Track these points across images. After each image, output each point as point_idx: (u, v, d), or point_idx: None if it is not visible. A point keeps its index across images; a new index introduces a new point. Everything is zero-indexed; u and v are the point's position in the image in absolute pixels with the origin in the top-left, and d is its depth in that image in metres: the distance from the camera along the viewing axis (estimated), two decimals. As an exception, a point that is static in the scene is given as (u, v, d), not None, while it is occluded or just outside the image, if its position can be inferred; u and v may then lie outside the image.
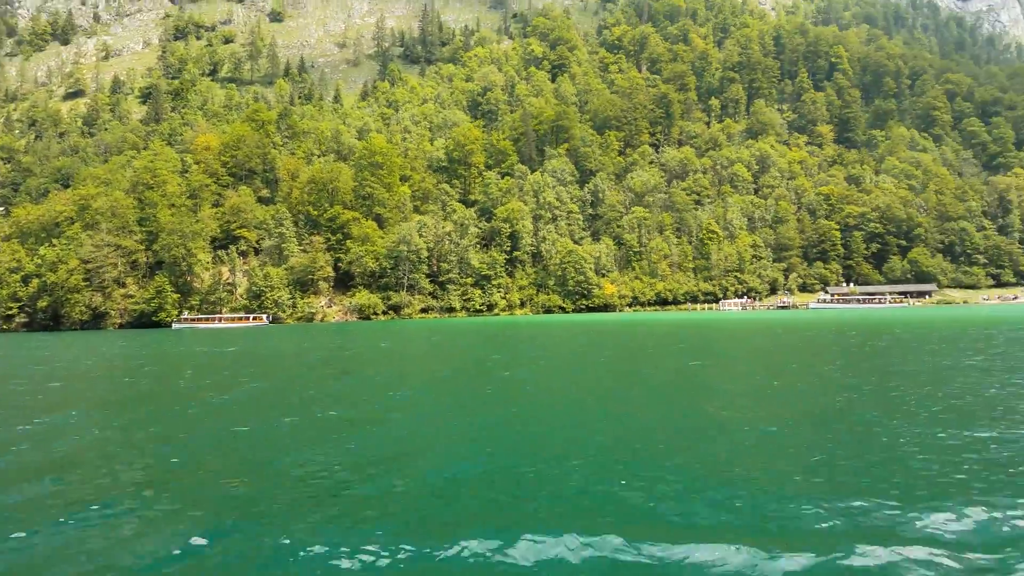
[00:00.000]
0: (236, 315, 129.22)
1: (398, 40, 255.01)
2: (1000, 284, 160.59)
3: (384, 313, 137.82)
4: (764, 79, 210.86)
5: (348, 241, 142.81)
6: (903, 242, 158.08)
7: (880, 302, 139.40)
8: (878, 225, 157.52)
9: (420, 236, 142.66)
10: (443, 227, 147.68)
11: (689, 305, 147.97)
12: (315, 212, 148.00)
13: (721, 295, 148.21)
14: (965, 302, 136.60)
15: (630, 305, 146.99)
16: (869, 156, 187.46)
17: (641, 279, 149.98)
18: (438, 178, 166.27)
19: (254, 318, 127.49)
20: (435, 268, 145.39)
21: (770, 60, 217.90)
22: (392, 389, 24.43)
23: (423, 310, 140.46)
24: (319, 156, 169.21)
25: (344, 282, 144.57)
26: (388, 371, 32.37)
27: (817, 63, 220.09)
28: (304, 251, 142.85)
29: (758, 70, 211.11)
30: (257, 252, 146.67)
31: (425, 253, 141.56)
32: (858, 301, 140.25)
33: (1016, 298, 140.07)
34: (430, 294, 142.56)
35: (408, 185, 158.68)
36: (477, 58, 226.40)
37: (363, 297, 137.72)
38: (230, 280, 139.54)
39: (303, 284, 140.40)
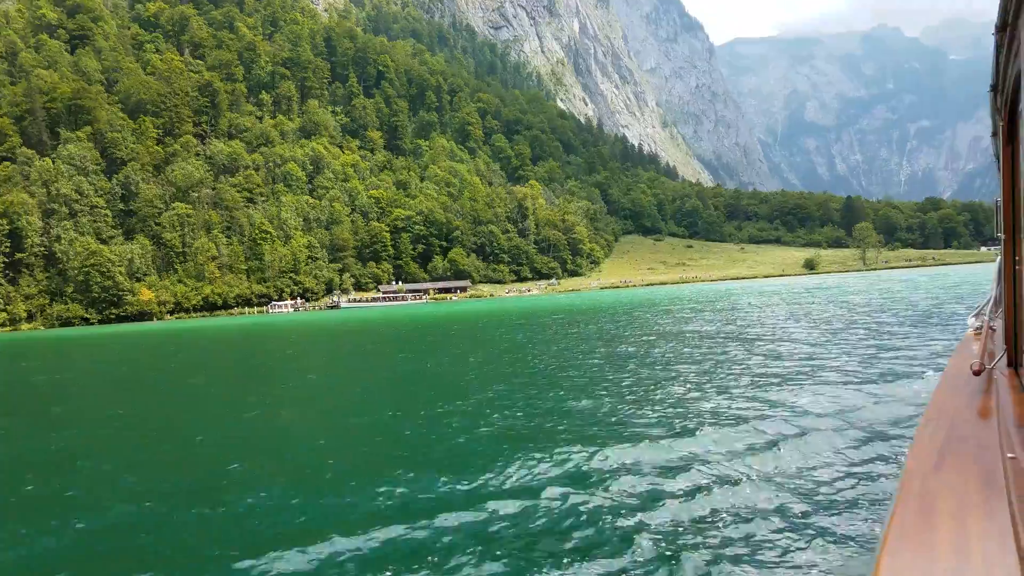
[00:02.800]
0: None
1: None
2: (520, 279, 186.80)
3: None
4: (315, 79, 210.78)
5: None
6: (444, 243, 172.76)
7: (401, 299, 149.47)
8: (423, 228, 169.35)
9: None
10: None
11: (240, 309, 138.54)
12: None
13: (277, 297, 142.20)
14: (492, 295, 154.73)
15: (172, 312, 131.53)
16: (415, 164, 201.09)
17: (185, 283, 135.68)
18: None
19: None
20: None
21: (321, 61, 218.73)
22: None
23: None
24: None
25: None
26: None
27: (367, 70, 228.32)
28: None
29: (309, 69, 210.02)
30: None
31: None
32: (384, 298, 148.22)
33: (529, 291, 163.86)
34: None
35: None
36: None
37: None
38: None
39: None
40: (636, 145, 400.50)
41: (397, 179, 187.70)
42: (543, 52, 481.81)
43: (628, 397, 14.93)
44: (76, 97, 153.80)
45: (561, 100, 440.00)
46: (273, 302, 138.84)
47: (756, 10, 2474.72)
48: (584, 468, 9.37)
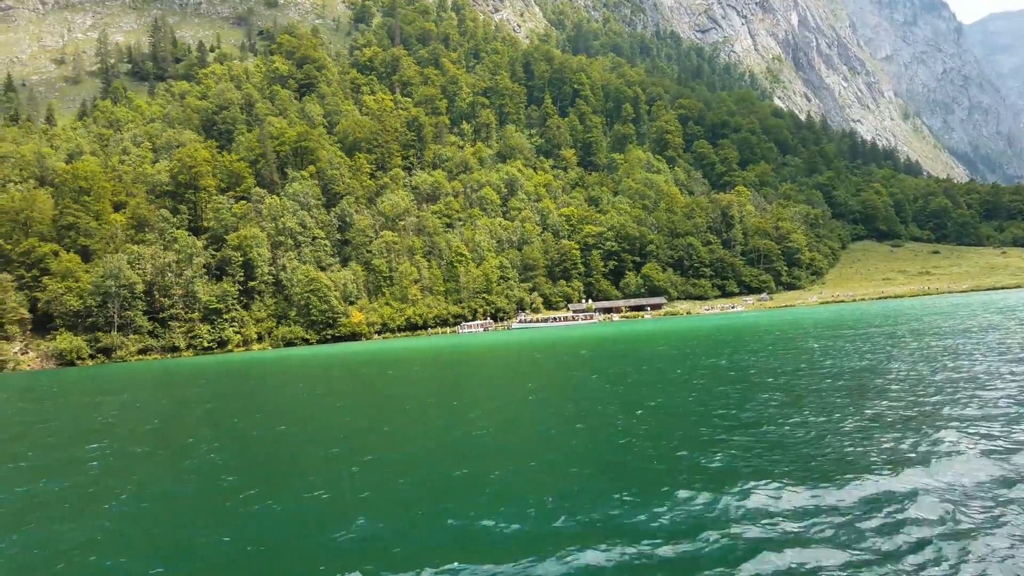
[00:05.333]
0: None
1: (125, 56, 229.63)
2: (725, 294, 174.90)
3: (92, 357, 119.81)
4: (512, 104, 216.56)
5: (46, 278, 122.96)
6: (637, 258, 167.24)
7: (571, 319, 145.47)
8: (614, 243, 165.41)
9: (134, 269, 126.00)
10: (163, 258, 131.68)
11: (431, 330, 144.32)
12: (7, 246, 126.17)
13: (471, 316, 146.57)
14: (688, 313, 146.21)
15: (379, 332, 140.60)
16: (608, 178, 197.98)
17: (391, 304, 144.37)
18: (164, 203, 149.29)
19: None
20: (156, 304, 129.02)
21: (517, 86, 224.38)
22: None
23: (142, 351, 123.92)
24: (18, 183, 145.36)
25: (44, 324, 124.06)
26: None
27: (563, 89, 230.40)
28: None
29: (507, 96, 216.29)
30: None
31: (141, 287, 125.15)
32: (554, 320, 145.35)
33: (734, 307, 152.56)
34: (149, 333, 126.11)
35: (124, 213, 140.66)
36: (214, 75, 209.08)
37: (65, 340, 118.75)
38: None
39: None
40: (868, 140, 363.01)
41: (589, 195, 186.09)
42: (756, 50, 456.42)
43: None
44: (301, 140, 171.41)
45: (779, 98, 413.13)
46: (464, 322, 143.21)
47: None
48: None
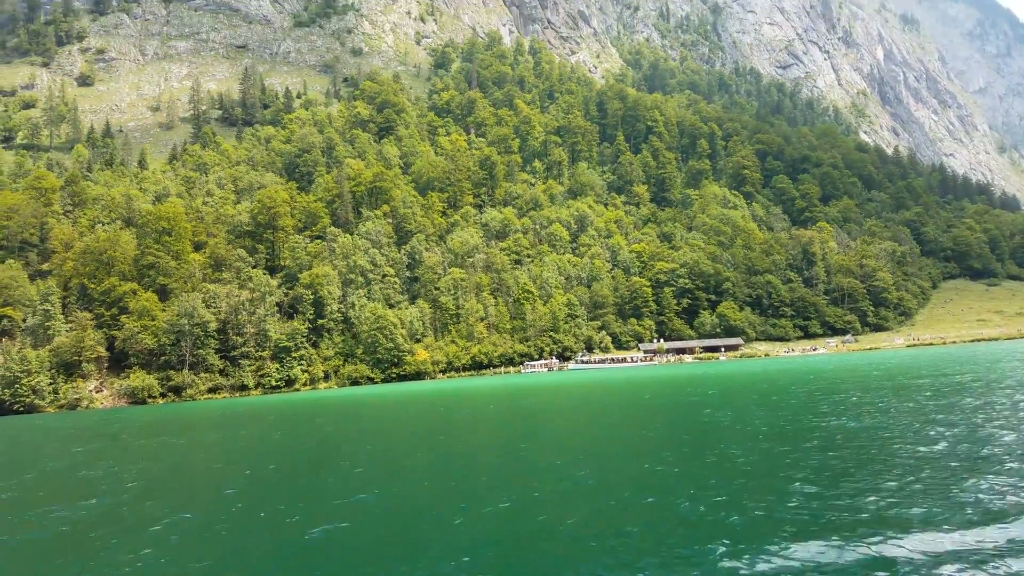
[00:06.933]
0: None
1: (216, 103, 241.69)
2: (808, 335, 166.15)
3: (163, 396, 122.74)
4: (584, 143, 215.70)
5: (124, 316, 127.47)
6: (712, 297, 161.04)
7: (631, 360, 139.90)
8: (687, 281, 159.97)
9: (209, 308, 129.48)
10: (238, 296, 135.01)
11: (495, 369, 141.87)
12: (91, 285, 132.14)
13: (537, 355, 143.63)
14: (767, 355, 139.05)
15: (444, 371, 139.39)
16: (682, 214, 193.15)
17: (456, 342, 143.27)
18: (243, 243, 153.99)
19: None
20: (229, 342, 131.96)
21: (590, 124, 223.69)
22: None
23: (211, 390, 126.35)
24: (105, 224, 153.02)
25: (120, 362, 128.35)
26: None
27: (636, 126, 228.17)
28: (72, 329, 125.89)
29: (579, 134, 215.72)
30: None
31: (214, 326, 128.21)
32: (611, 361, 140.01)
33: (816, 349, 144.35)
34: (220, 372, 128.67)
35: (203, 252, 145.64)
36: (299, 120, 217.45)
37: (138, 379, 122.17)
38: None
39: (69, 366, 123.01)
40: (960, 174, 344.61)
41: (662, 231, 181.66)
42: (840, 85, 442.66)
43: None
44: (376, 180, 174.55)
45: (864, 133, 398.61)
46: (527, 362, 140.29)
47: None
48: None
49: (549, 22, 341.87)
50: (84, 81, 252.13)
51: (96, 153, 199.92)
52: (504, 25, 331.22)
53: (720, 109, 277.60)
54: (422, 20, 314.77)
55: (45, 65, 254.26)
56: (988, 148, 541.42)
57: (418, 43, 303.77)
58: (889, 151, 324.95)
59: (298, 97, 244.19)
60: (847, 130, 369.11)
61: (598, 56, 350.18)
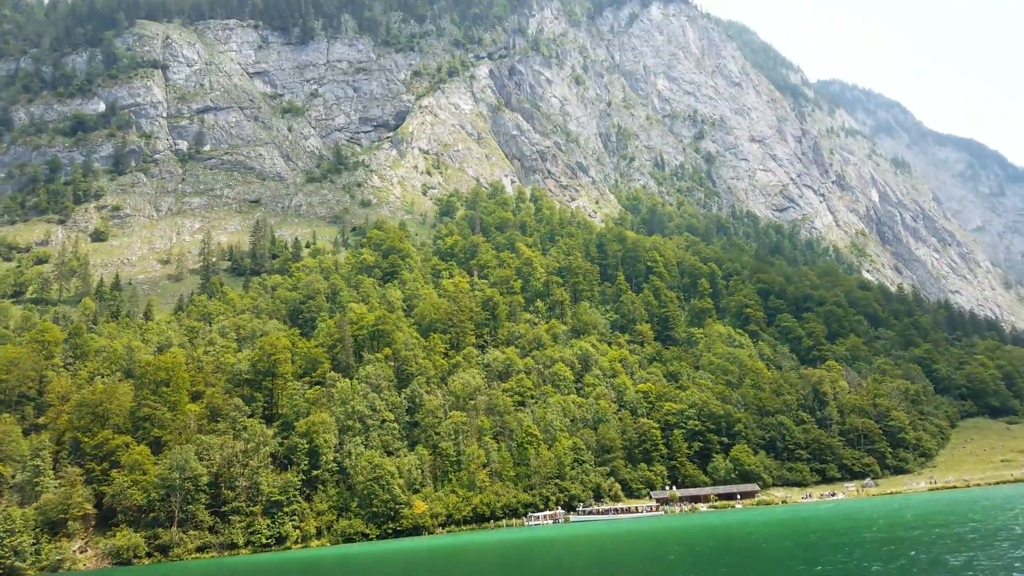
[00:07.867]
0: None
1: (226, 254, 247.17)
2: (826, 479, 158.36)
3: (149, 555, 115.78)
4: (586, 283, 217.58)
5: (115, 471, 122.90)
6: (724, 439, 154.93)
7: (634, 511, 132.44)
8: (697, 422, 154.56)
9: (202, 460, 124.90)
10: (232, 447, 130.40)
11: (499, 522, 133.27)
12: (84, 439, 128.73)
13: (543, 505, 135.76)
14: (784, 502, 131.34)
15: (443, 525, 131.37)
16: (687, 353, 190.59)
17: (457, 492, 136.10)
18: (242, 391, 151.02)
19: None
20: (220, 496, 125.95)
21: (591, 265, 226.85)
22: None
23: (200, 548, 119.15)
24: (105, 376, 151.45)
25: (108, 519, 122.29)
26: None
27: (636, 267, 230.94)
28: (60, 485, 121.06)
29: (580, 274, 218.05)
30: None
31: (206, 479, 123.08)
32: (616, 512, 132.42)
33: (834, 495, 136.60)
34: (209, 528, 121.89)
35: (200, 402, 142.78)
36: (306, 268, 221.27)
37: (123, 538, 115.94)
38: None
39: (54, 525, 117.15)
40: (967, 311, 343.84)
41: (667, 370, 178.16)
42: (838, 225, 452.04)
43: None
44: (378, 324, 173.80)
45: (867, 271, 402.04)
46: (530, 513, 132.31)
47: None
48: None
49: (549, 172, 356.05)
50: (98, 236, 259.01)
51: (103, 305, 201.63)
52: (506, 176, 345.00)
53: (719, 250, 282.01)
54: (428, 173, 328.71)
55: (61, 222, 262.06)
56: (994, 284, 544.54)
57: (424, 194, 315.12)
58: (893, 289, 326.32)
59: (307, 247, 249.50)
60: (849, 269, 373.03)
61: (597, 202, 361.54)
